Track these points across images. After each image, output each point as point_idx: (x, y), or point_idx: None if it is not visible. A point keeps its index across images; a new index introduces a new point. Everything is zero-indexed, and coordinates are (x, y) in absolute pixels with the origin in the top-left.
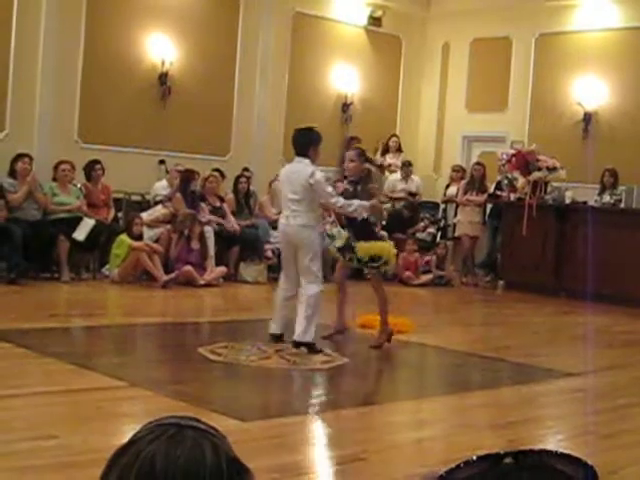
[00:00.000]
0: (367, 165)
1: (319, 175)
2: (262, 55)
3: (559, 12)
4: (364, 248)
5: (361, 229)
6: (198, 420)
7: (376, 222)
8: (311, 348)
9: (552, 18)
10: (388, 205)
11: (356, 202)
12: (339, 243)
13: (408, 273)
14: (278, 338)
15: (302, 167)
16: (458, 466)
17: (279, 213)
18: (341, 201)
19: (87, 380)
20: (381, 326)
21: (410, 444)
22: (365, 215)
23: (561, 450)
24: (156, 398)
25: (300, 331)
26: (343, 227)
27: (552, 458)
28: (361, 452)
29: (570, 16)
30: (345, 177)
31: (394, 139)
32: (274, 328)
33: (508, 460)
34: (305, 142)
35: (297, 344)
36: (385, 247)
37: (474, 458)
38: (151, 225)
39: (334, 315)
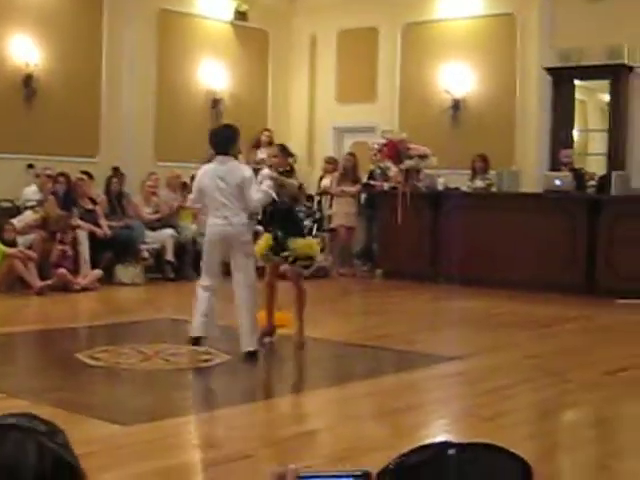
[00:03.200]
0: (290, 160)
1: (250, 173)
2: (128, 54)
3: (424, 1)
4: (301, 245)
5: (293, 224)
6: (34, 417)
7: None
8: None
9: (417, 7)
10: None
11: (266, 183)
12: (264, 245)
13: (285, 266)
14: (198, 341)
15: (234, 166)
16: (404, 454)
17: (155, 212)
18: (260, 197)
19: None
20: (300, 323)
21: (295, 438)
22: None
23: (500, 445)
24: (35, 407)
25: (251, 340)
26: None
27: (493, 453)
28: (246, 450)
29: (435, 5)
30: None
31: (266, 133)
32: (196, 331)
33: (451, 452)
34: (226, 140)
35: (251, 354)
36: (316, 247)
37: (418, 446)
38: (22, 232)
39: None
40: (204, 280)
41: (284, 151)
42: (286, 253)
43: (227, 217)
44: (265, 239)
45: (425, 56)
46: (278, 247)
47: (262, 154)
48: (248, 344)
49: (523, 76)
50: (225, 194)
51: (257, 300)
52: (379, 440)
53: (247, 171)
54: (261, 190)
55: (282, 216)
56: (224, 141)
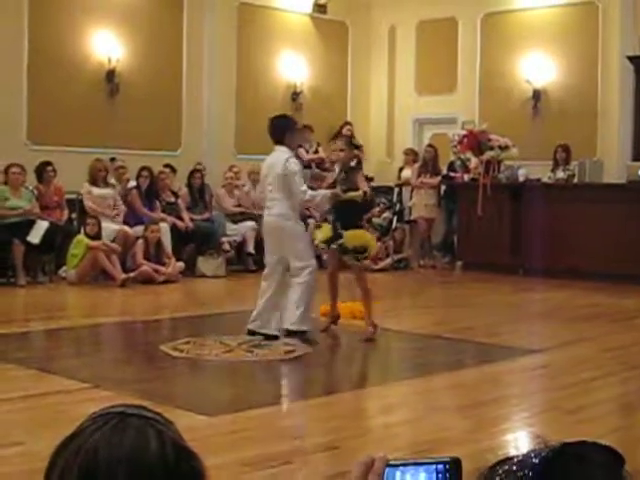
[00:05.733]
0: (357, 152)
1: (293, 166)
2: (209, 48)
3: None
4: (351, 237)
5: (349, 217)
6: (143, 408)
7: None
8: (305, 336)
9: None
10: (359, 192)
11: (320, 193)
12: (321, 236)
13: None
14: (251, 333)
15: (279, 156)
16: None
17: (238, 205)
18: (307, 195)
19: (49, 384)
20: (368, 318)
21: (380, 429)
22: (327, 207)
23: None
24: (120, 398)
25: (294, 319)
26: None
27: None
28: (332, 441)
29: None
30: (329, 164)
31: (347, 127)
32: (250, 323)
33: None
34: (280, 129)
35: (290, 332)
36: (370, 240)
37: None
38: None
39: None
40: (265, 270)
41: (350, 144)
42: (338, 242)
43: (270, 207)
44: (324, 229)
45: (505, 46)
46: (335, 237)
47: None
48: (289, 322)
49: (605, 65)
50: (269, 185)
51: (312, 287)
52: (462, 432)
53: (292, 164)
54: (314, 195)
55: (342, 207)
56: (277, 130)
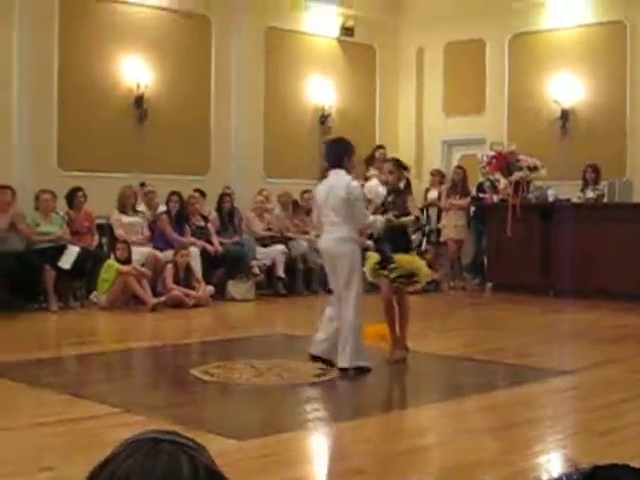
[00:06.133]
0: (406, 173)
1: (357, 191)
2: (236, 72)
3: (530, 11)
4: (402, 261)
5: (399, 241)
6: (176, 434)
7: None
8: (361, 371)
9: (524, 18)
10: (411, 217)
11: (379, 218)
12: (371, 262)
13: None
14: (315, 359)
15: (339, 179)
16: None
17: (268, 229)
18: (370, 219)
19: (81, 409)
20: (402, 341)
21: (410, 453)
22: (377, 232)
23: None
24: (151, 423)
25: (344, 356)
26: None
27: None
28: (360, 465)
29: (542, 15)
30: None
31: (380, 150)
32: (312, 348)
33: None
34: (339, 153)
35: (343, 370)
36: (421, 266)
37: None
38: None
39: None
40: (330, 301)
41: (399, 166)
42: (390, 267)
43: (331, 232)
44: (371, 256)
45: (533, 66)
46: (385, 261)
47: (373, 171)
48: (341, 360)
49: (633, 84)
50: (331, 207)
51: (360, 317)
52: (494, 455)
53: (355, 188)
54: (371, 219)
55: (392, 231)
56: (337, 154)
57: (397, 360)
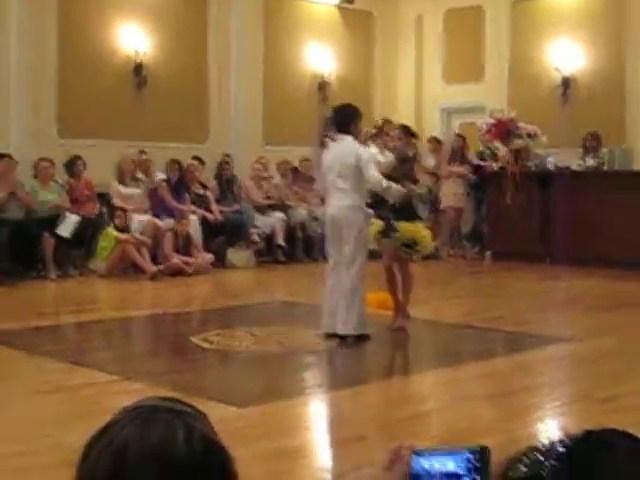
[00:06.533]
0: (414, 141)
1: (367, 154)
2: (235, 39)
3: None
4: (406, 229)
5: (406, 209)
6: (177, 401)
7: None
8: (361, 338)
9: None
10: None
11: (390, 184)
12: (374, 229)
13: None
14: (331, 336)
15: (347, 145)
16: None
17: (267, 197)
18: (384, 183)
19: (81, 376)
20: (404, 309)
21: (409, 420)
22: (395, 200)
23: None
24: (151, 390)
25: (343, 324)
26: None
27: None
28: (360, 431)
29: None
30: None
31: (388, 124)
32: (323, 327)
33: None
34: (346, 118)
35: (341, 338)
36: (425, 235)
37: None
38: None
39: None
40: (328, 265)
41: (408, 133)
42: (394, 235)
43: (340, 199)
44: (376, 223)
45: (533, 33)
46: (389, 230)
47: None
48: (343, 327)
49: (634, 51)
50: (338, 174)
51: (361, 284)
52: (493, 422)
53: (365, 152)
54: (384, 184)
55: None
56: (344, 120)
57: (399, 328)
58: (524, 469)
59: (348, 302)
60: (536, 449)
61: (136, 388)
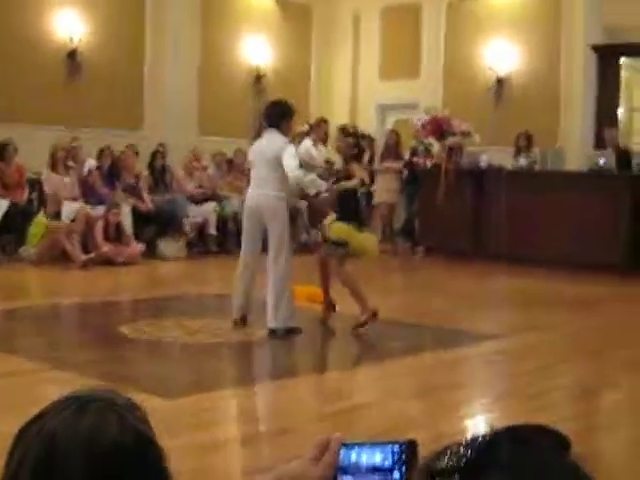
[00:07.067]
0: (350, 140)
1: (289, 149)
2: (172, 28)
3: None
4: (335, 229)
5: (346, 209)
6: (112, 391)
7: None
8: (291, 332)
9: None
10: (355, 181)
11: (313, 178)
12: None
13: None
14: (242, 321)
15: (274, 139)
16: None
17: (199, 187)
18: (297, 174)
19: (9, 364)
20: (327, 299)
21: (337, 414)
22: (316, 193)
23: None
24: (80, 379)
25: (272, 317)
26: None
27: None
28: (288, 424)
29: None
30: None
31: (323, 125)
32: (237, 312)
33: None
34: (278, 114)
35: (272, 331)
36: (347, 233)
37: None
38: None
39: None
40: (242, 254)
41: (342, 134)
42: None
43: (261, 187)
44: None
45: (469, 33)
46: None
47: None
48: (272, 320)
49: (568, 54)
50: (264, 165)
51: (289, 276)
52: (421, 417)
53: (288, 147)
54: (299, 175)
55: (341, 199)
56: (276, 115)
57: (324, 320)
58: (446, 461)
59: (278, 292)
60: (460, 443)
61: (65, 377)
